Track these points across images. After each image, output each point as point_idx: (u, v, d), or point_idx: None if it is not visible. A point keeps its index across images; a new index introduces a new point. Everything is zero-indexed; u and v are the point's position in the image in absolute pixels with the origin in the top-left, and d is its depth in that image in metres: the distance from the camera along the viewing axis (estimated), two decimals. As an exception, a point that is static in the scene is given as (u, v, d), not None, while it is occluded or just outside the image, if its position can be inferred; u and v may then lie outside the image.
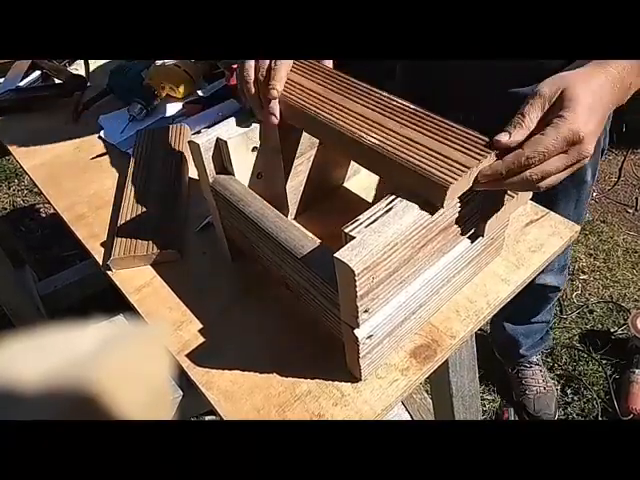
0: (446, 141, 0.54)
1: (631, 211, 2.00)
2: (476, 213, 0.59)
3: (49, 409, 0.16)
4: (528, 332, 1.45)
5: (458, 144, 0.54)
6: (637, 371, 1.49)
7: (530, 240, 0.73)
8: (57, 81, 1.15)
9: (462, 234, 0.60)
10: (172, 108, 1.08)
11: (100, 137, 1.04)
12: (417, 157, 0.53)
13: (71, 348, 0.18)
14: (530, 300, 1.31)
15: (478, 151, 0.53)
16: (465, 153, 0.53)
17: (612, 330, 1.63)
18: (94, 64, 1.20)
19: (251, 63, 0.65)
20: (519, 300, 1.28)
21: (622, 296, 1.71)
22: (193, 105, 1.07)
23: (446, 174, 0.51)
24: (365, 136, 0.57)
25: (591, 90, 0.52)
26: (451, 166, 0.52)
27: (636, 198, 2.04)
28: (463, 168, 0.51)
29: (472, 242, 0.62)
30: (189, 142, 0.65)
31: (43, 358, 0.17)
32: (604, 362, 1.56)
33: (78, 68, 1.20)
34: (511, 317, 1.43)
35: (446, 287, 0.64)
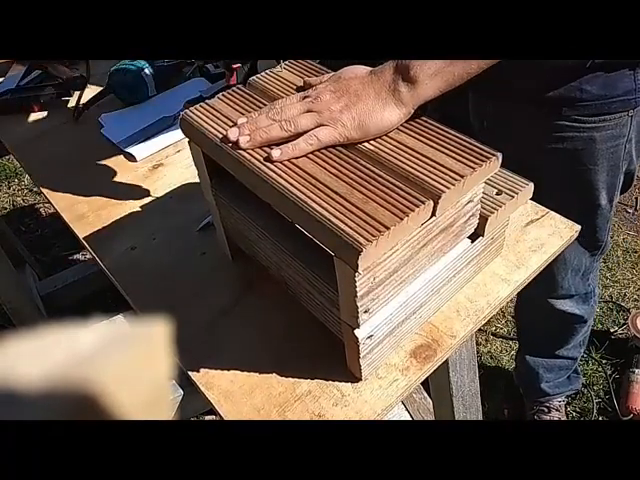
0: (441, 148, 0.54)
1: (631, 211, 2.00)
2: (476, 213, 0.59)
3: (49, 409, 0.16)
4: (551, 366, 1.34)
5: (453, 151, 0.53)
6: (637, 371, 1.49)
7: (530, 240, 0.73)
8: (57, 81, 1.15)
9: (462, 234, 0.60)
10: (173, 107, 1.08)
11: (101, 136, 1.03)
12: (410, 163, 0.53)
13: (71, 348, 0.18)
14: (552, 329, 1.25)
15: (473, 159, 0.52)
16: (459, 161, 0.52)
17: (612, 330, 1.63)
18: (94, 64, 1.20)
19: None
20: (541, 329, 1.26)
21: (622, 296, 1.71)
22: (194, 104, 1.06)
23: (438, 182, 0.51)
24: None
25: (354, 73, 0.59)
26: (444, 174, 0.51)
27: (636, 198, 2.04)
28: (456, 176, 0.51)
29: (472, 242, 0.62)
30: (189, 143, 0.65)
31: (43, 358, 0.17)
32: (604, 362, 1.56)
33: (78, 68, 1.20)
34: (533, 348, 1.35)
35: (446, 287, 0.64)
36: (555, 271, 1.09)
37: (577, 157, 0.90)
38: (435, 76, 0.55)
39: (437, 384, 0.92)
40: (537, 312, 1.24)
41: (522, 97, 0.85)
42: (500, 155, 0.53)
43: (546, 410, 1.43)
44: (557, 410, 1.43)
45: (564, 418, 1.45)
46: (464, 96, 0.93)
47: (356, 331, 0.55)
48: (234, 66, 1.08)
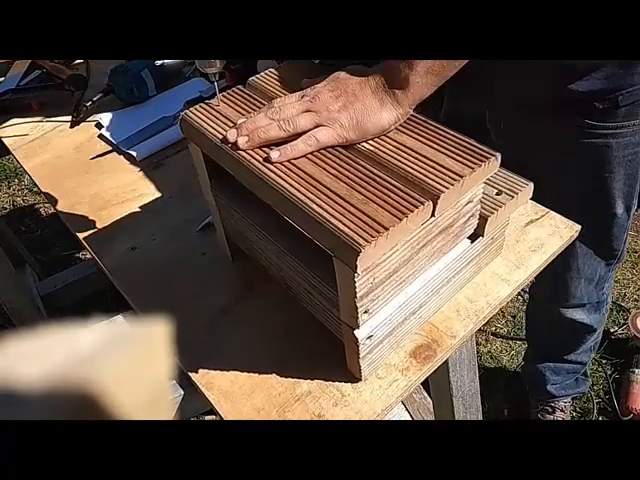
0: (440, 148, 0.54)
1: (631, 211, 2.00)
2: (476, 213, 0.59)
3: (49, 409, 0.16)
4: (559, 369, 1.34)
5: (453, 151, 0.53)
6: (637, 371, 1.49)
7: (530, 240, 0.73)
8: (57, 81, 1.15)
9: (462, 234, 0.60)
10: (173, 107, 1.08)
11: (101, 136, 1.03)
12: (409, 164, 0.53)
13: (71, 348, 0.18)
14: (561, 335, 1.24)
15: (472, 159, 0.52)
16: (459, 161, 0.52)
17: (612, 330, 1.63)
18: (94, 64, 1.20)
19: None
20: (550, 334, 1.26)
21: (622, 296, 1.71)
22: (194, 105, 1.06)
23: (437, 182, 0.51)
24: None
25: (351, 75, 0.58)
26: (443, 174, 0.51)
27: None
28: (455, 176, 0.51)
29: (472, 242, 0.62)
30: (189, 143, 0.65)
31: (43, 358, 0.17)
32: (604, 362, 1.56)
33: (78, 68, 1.20)
34: (541, 351, 1.35)
35: (446, 287, 0.64)
36: (568, 280, 1.07)
37: (592, 164, 0.88)
38: (427, 74, 0.55)
39: (437, 384, 0.92)
40: (546, 318, 1.23)
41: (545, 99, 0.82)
42: (499, 155, 0.53)
43: (550, 410, 1.42)
44: (562, 411, 1.42)
45: (568, 419, 1.44)
46: (479, 100, 0.92)
47: (356, 331, 0.55)
48: (232, 67, 1.08)
